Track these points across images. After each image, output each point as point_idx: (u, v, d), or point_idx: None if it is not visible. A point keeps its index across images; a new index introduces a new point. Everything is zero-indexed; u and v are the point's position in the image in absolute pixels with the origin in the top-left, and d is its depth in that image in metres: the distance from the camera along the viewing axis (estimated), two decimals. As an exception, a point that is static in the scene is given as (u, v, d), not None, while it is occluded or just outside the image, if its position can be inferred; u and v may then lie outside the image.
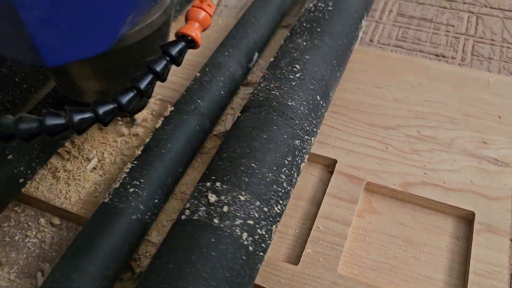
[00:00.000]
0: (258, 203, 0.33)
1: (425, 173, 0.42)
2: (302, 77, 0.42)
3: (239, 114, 0.40)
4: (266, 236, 0.33)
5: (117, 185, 0.38)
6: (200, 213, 0.32)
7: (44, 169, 0.45)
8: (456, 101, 0.48)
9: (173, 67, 0.33)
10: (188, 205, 0.34)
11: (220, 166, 0.35)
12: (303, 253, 0.38)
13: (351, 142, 0.45)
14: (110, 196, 0.37)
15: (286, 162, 0.37)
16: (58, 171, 0.45)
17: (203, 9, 0.33)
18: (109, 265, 0.34)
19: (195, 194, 0.34)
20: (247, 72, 0.51)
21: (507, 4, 0.64)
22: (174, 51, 0.32)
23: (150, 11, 0.34)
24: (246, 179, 0.34)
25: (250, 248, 0.32)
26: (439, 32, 0.60)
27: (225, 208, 0.32)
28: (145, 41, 0.35)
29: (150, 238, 0.40)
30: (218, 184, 0.34)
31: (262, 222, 0.33)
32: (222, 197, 0.33)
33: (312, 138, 0.41)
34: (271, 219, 0.34)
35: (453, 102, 0.48)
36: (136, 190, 0.38)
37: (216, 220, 0.32)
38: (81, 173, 0.45)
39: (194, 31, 0.32)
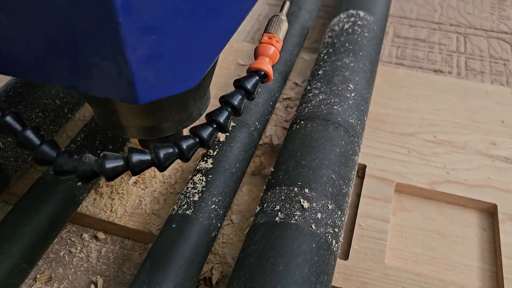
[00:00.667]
0: (339, 212, 0.36)
1: (447, 172, 0.46)
2: (355, 97, 0.45)
3: (301, 122, 0.43)
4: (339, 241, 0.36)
5: (196, 198, 0.39)
6: (297, 218, 0.34)
7: (85, 186, 0.46)
8: (462, 109, 0.53)
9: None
10: (278, 207, 0.36)
11: (303, 173, 0.37)
12: (351, 248, 0.40)
13: (377, 148, 0.49)
14: (192, 209, 0.38)
15: (352, 176, 0.40)
16: (101, 187, 0.46)
17: (273, 45, 0.34)
18: (186, 279, 0.35)
19: (283, 197, 0.36)
20: (282, 88, 0.54)
21: (488, 25, 0.71)
22: (249, 85, 0.32)
23: None
24: (330, 189, 0.37)
25: (336, 254, 0.35)
26: (434, 50, 0.66)
27: (318, 215, 0.35)
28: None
29: (218, 251, 0.41)
30: (306, 190, 0.36)
31: (342, 230, 0.36)
32: (314, 204, 0.35)
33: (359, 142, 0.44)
34: (343, 227, 0.37)
35: (460, 110, 0.53)
36: (216, 207, 0.39)
37: (313, 226, 0.34)
38: (124, 187, 0.46)
39: (266, 65, 0.33)
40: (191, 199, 0.39)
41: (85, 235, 0.45)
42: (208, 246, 0.38)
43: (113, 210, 0.44)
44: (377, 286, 0.38)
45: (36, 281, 0.42)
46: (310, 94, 0.46)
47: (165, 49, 0.25)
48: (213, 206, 0.39)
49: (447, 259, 0.41)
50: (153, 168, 0.47)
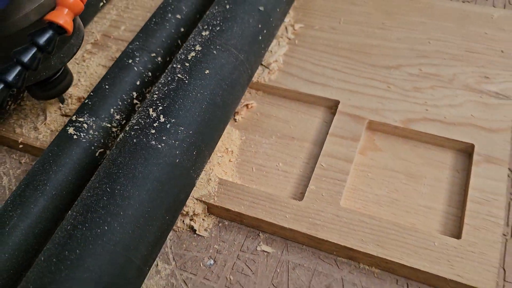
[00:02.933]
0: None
1: (427, 109, 0.43)
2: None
3: None
4: (140, 120, 0.37)
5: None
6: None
7: (57, 124, 0.47)
8: (459, 38, 0.48)
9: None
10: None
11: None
12: (307, 189, 0.39)
13: (354, 83, 0.46)
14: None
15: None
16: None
17: None
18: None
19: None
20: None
21: None
22: (42, 40, 0.31)
23: None
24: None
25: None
26: (444, -30, 0.58)
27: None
28: (33, 27, 0.34)
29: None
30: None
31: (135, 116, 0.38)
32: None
33: (203, 33, 0.42)
34: (144, 108, 0.38)
35: (456, 39, 0.48)
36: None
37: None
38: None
39: (63, 17, 0.31)
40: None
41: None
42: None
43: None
44: (328, 227, 0.37)
45: None
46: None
47: None
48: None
49: (411, 202, 0.39)
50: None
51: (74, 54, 0.40)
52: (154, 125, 0.36)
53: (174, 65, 0.40)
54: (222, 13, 0.42)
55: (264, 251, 0.39)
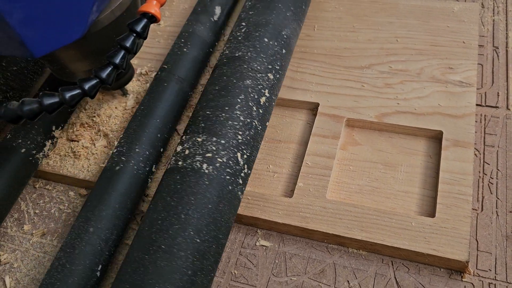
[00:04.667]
0: (214, 138, 0.39)
1: (398, 103, 0.47)
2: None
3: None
4: (230, 162, 0.38)
5: (114, 150, 0.46)
6: (171, 162, 0.40)
7: (65, 150, 0.51)
8: (423, 33, 0.52)
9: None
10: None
11: (189, 122, 0.42)
12: (296, 187, 0.43)
13: (331, 86, 0.50)
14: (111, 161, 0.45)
15: (239, 100, 0.41)
16: (78, 151, 0.51)
17: None
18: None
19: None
20: (218, 35, 0.56)
21: None
22: (139, 27, 0.37)
23: None
24: (202, 124, 0.40)
25: (214, 173, 0.37)
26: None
27: (186, 152, 0.39)
28: (117, 21, 0.41)
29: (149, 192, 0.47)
30: (183, 137, 0.41)
31: (222, 152, 0.38)
32: (185, 145, 0.40)
33: (269, 74, 0.44)
34: (232, 148, 0.39)
35: (421, 34, 0.52)
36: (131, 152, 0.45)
37: (180, 163, 0.38)
38: (98, 148, 0.51)
39: (153, 8, 0.38)
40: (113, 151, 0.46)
41: (71, 193, 0.51)
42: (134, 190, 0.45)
43: (89, 170, 0.50)
44: (316, 219, 0.41)
45: (33, 236, 0.49)
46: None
47: (35, 11, 0.33)
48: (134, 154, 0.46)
49: (390, 188, 0.43)
50: (116, 128, 0.52)
51: (140, 46, 0.44)
52: (241, 174, 0.39)
53: (251, 104, 0.42)
54: (278, 54, 0.46)
55: (262, 245, 0.43)
